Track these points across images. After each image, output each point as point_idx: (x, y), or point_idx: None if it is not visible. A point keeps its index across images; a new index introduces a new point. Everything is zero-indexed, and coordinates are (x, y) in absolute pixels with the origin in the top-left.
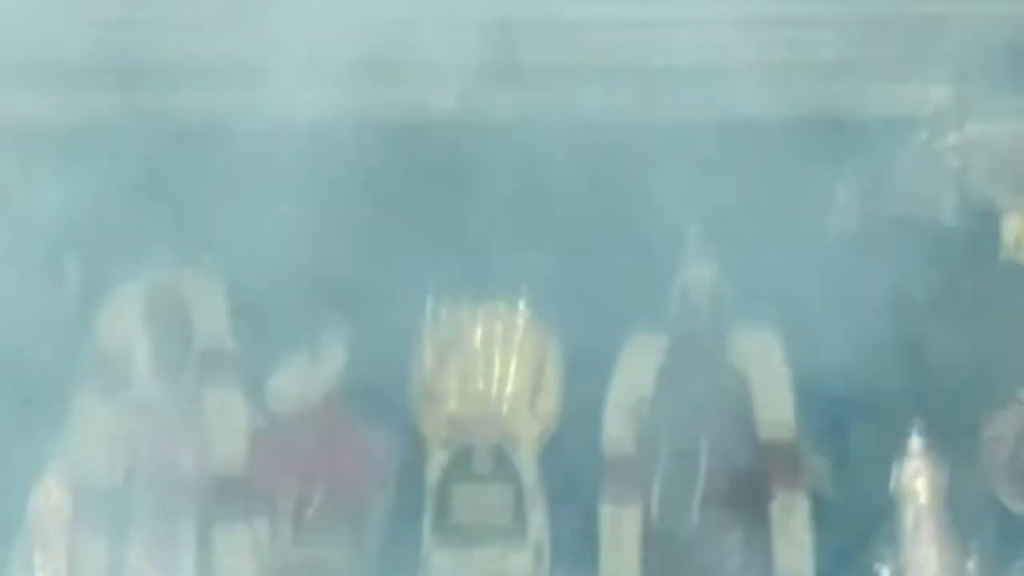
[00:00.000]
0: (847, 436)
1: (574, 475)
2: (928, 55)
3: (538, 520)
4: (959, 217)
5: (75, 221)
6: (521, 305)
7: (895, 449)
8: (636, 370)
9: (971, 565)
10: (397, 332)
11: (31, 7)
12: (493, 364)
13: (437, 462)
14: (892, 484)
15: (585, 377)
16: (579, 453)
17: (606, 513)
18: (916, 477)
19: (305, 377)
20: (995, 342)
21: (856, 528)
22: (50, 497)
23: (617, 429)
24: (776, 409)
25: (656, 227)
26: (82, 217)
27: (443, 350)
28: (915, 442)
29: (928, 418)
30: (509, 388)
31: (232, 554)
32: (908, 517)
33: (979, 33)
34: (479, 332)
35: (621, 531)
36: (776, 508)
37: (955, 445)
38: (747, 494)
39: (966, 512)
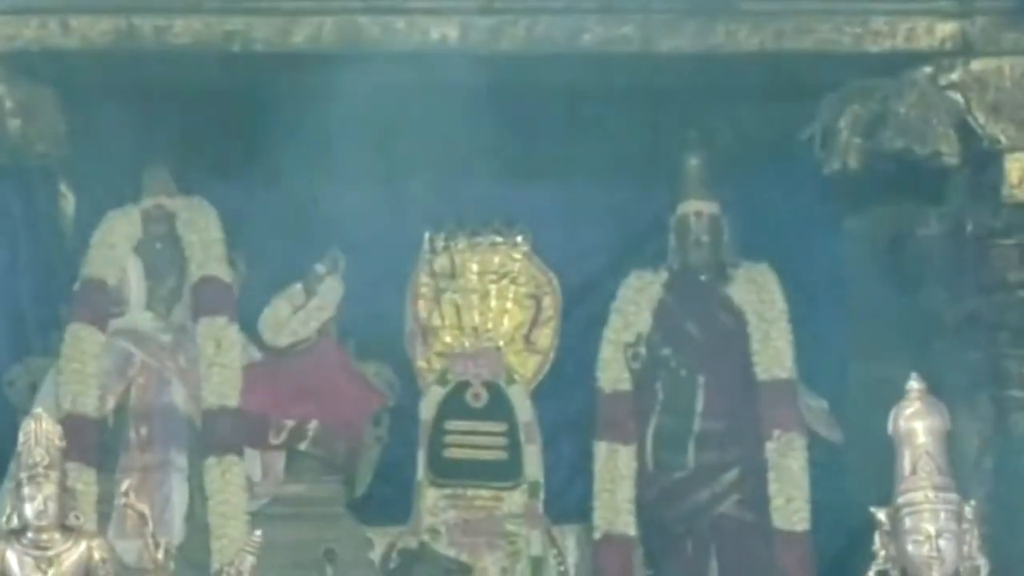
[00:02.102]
0: (846, 376)
1: (569, 412)
2: None
3: (533, 457)
4: (961, 156)
5: (71, 147)
6: (519, 239)
7: (894, 390)
8: (634, 306)
9: (968, 510)
10: (393, 265)
11: None
12: (489, 298)
13: (432, 397)
14: (890, 426)
15: (582, 312)
16: (575, 390)
17: (601, 451)
18: (914, 419)
19: (300, 309)
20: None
21: (853, 470)
22: (40, 427)
23: (613, 366)
24: (774, 348)
25: (656, 160)
26: (77, 143)
27: (439, 284)
28: (914, 384)
29: (927, 359)
30: (505, 323)
31: (224, 487)
32: (906, 460)
33: None
34: (476, 266)
35: (616, 469)
36: (773, 449)
37: (956, 387)
38: (744, 434)
39: (965, 456)
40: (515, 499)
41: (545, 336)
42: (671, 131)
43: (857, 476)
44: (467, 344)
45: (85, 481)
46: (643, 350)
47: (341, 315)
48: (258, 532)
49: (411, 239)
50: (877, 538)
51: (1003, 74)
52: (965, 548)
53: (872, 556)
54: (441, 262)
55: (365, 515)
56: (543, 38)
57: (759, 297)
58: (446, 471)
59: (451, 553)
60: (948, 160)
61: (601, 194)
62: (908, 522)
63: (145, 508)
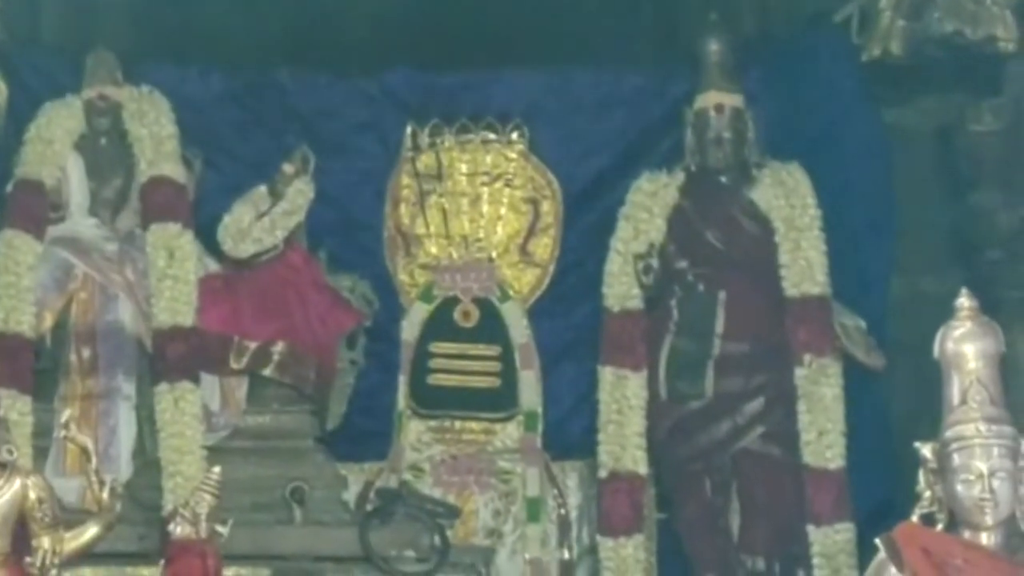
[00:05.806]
0: (887, 293)
1: (571, 333)
2: None
3: (530, 384)
4: (1018, 40)
5: (2, 28)
6: (514, 135)
7: (941, 308)
8: (645, 212)
9: None
10: (371, 165)
11: None
12: (481, 203)
13: (415, 316)
14: (936, 349)
15: (586, 219)
16: (578, 308)
17: (607, 377)
18: (964, 341)
19: (264, 215)
20: None
21: (894, 400)
22: None
23: (622, 280)
24: (805, 259)
25: (672, 45)
26: (9, 23)
27: (423, 186)
28: (964, 300)
29: (980, 272)
30: (499, 231)
31: (177, 417)
32: (954, 388)
33: None
34: (465, 166)
35: (624, 399)
36: (803, 375)
37: (1012, 303)
38: (770, 358)
39: (1022, 383)
40: (509, 432)
41: (544, 246)
42: (689, 11)
43: (899, 406)
44: (455, 255)
45: (19, 410)
46: (656, 262)
47: (311, 221)
48: (216, 469)
49: (391, 135)
50: (921, 477)
51: None
52: (1021, 489)
53: (916, 497)
54: (426, 161)
55: (338, 450)
56: None
57: (788, 201)
58: (431, 400)
59: (436, 493)
60: (1004, 45)
61: (608, 84)
62: (957, 459)
63: (88, 441)
